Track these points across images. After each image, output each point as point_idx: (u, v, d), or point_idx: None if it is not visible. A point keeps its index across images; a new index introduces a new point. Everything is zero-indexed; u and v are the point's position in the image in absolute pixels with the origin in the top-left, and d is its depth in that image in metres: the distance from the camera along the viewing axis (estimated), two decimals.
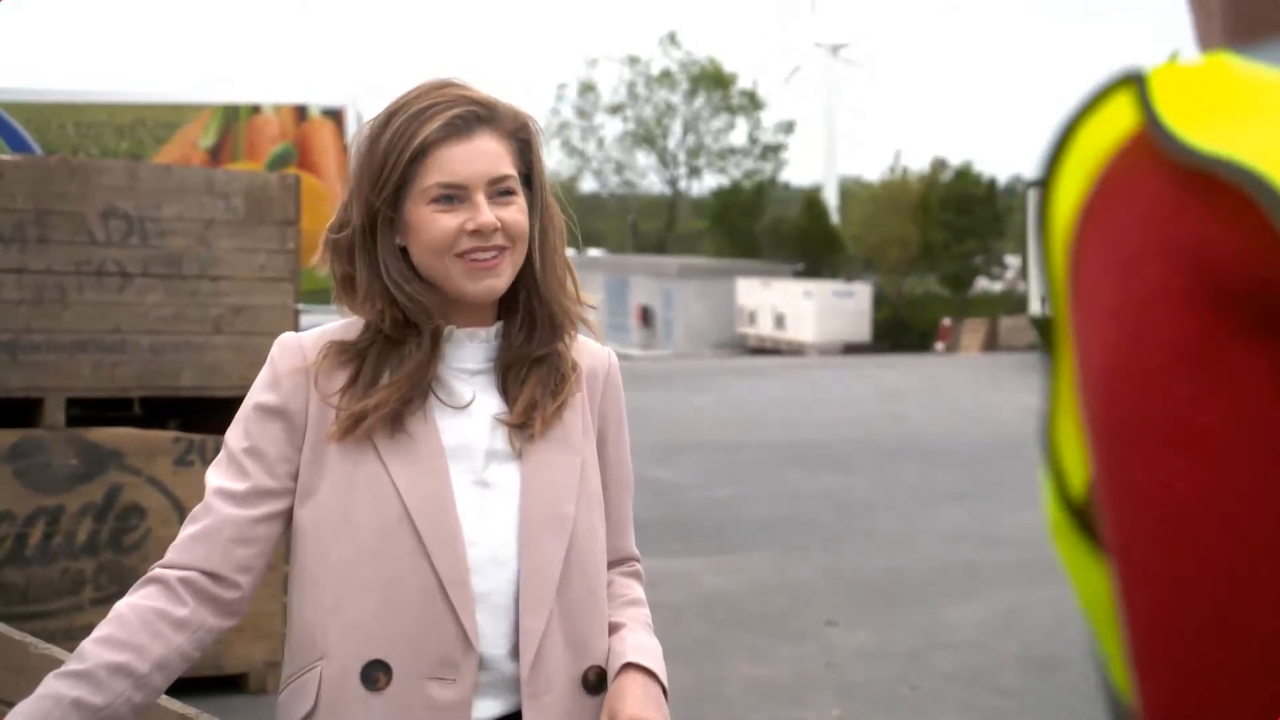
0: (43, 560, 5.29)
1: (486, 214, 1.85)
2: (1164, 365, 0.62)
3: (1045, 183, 0.70)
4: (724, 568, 8.43)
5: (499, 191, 1.88)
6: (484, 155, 1.87)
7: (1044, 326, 0.72)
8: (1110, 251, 0.65)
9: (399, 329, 1.89)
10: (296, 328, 5.77)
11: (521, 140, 1.93)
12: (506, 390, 1.95)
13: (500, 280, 1.89)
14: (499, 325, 1.96)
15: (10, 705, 2.52)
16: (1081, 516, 0.72)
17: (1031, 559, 8.71)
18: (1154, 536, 0.63)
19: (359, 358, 1.91)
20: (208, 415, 5.76)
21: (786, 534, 9.70)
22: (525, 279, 1.94)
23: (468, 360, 1.95)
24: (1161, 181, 0.63)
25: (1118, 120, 0.67)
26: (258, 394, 1.95)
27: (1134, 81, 0.66)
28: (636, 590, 2.10)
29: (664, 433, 14.13)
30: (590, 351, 2.06)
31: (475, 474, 1.91)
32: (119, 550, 5.40)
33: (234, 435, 1.95)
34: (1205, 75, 0.66)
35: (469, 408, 1.93)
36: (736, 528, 9.93)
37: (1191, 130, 0.63)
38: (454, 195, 1.86)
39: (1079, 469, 0.71)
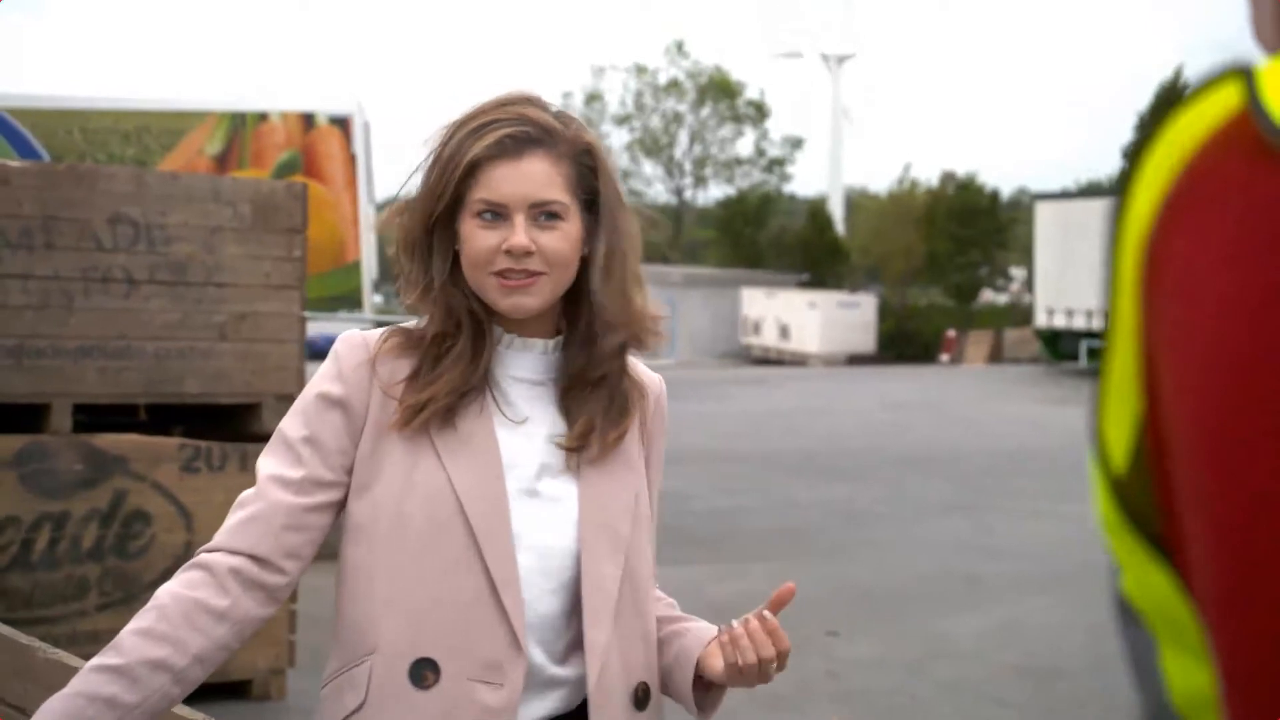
0: (48, 566, 5.31)
1: (520, 236, 1.87)
2: None
3: (1128, 173, 0.67)
4: (726, 577, 8.44)
5: (542, 214, 1.89)
6: (529, 178, 1.88)
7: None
8: (1216, 244, 0.62)
9: (450, 326, 1.92)
10: (302, 335, 5.79)
11: (584, 165, 1.94)
12: (566, 408, 1.97)
13: (531, 300, 1.90)
14: (558, 339, 1.98)
15: (18, 709, 2.53)
16: (1124, 496, 0.69)
17: (1033, 570, 8.72)
18: None
19: (419, 350, 1.94)
20: (213, 422, 5.78)
21: (788, 544, 9.72)
22: (585, 299, 1.95)
23: (525, 371, 1.97)
24: (1272, 175, 0.61)
25: (1207, 114, 0.64)
26: (320, 384, 1.96)
27: (1239, 75, 0.64)
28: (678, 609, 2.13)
29: (668, 442, 14.02)
30: (644, 374, 2.08)
31: (526, 483, 1.93)
32: (124, 556, 5.42)
33: (291, 424, 1.95)
34: None
35: (525, 423, 1.95)
36: (739, 537, 9.94)
37: None
38: (495, 213, 1.89)
39: (1123, 448, 0.69)
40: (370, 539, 1.90)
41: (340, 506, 1.94)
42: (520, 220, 1.88)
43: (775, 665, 1.92)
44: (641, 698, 1.97)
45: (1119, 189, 0.68)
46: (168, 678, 1.79)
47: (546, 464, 1.94)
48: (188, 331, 5.58)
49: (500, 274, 1.89)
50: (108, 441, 5.43)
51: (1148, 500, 0.68)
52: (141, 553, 5.42)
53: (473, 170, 1.88)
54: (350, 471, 1.93)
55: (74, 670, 1.91)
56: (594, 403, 1.96)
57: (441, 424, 1.90)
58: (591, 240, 1.94)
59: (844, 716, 5.85)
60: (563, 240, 1.90)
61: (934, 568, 8.90)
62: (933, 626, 7.37)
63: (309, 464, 1.92)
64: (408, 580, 1.87)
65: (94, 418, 5.65)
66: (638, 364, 2.08)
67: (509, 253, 1.87)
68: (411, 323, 2.00)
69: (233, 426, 5.74)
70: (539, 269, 1.89)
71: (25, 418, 5.36)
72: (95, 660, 1.80)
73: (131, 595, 5.27)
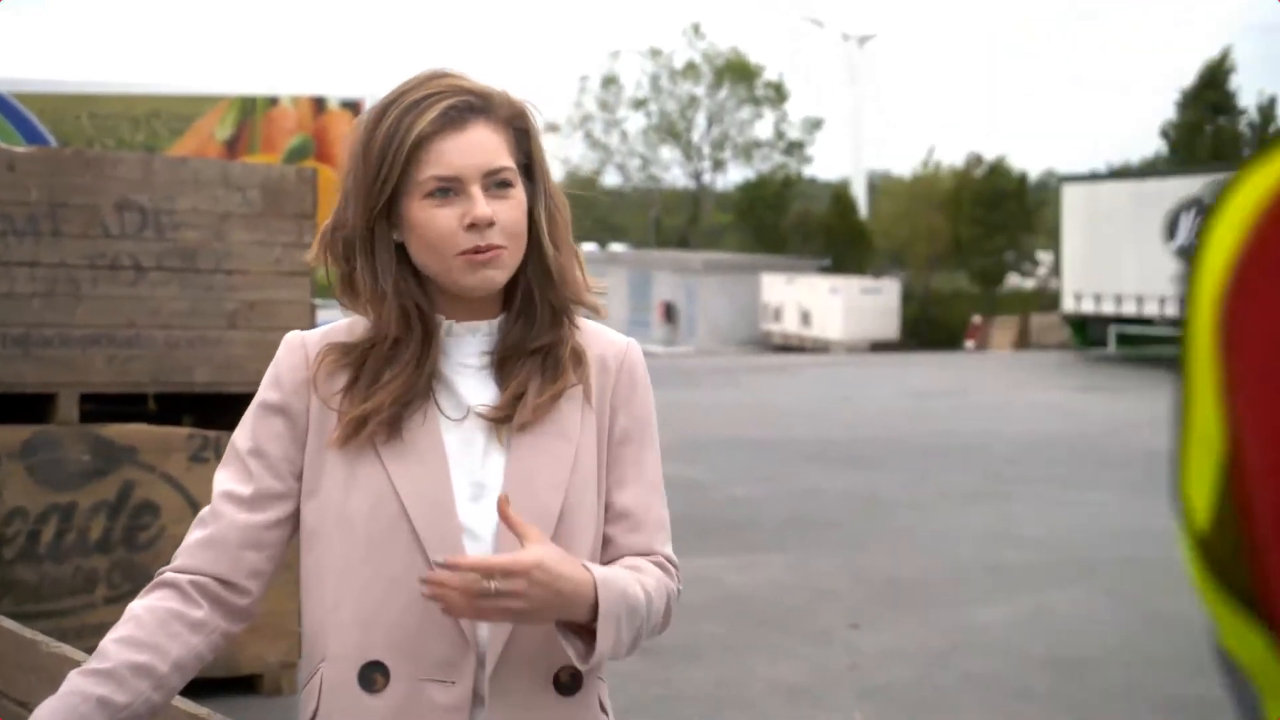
0: (55, 558, 5.24)
1: (482, 206, 1.80)
2: None
3: (1205, 224, 0.66)
4: (746, 567, 8.35)
5: (495, 184, 1.82)
6: (479, 147, 1.82)
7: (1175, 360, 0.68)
8: None
9: (400, 327, 1.85)
10: (313, 322, 5.70)
11: (519, 129, 1.88)
12: (501, 382, 1.89)
13: (499, 273, 1.83)
14: (501, 318, 1.91)
15: (22, 704, 2.51)
16: (1209, 553, 0.68)
17: (1058, 560, 8.61)
18: None
19: (360, 358, 1.88)
20: (223, 411, 5.70)
21: (809, 533, 9.62)
22: (527, 270, 1.88)
23: (470, 355, 1.90)
24: None
25: (1273, 175, 0.63)
26: (262, 392, 1.93)
27: None
28: (646, 565, 1.92)
29: (686, 430, 14.04)
30: (605, 340, 1.97)
31: (473, 473, 1.86)
32: (132, 548, 5.34)
33: (240, 436, 1.93)
34: None
35: (468, 413, 1.88)
36: (759, 526, 9.85)
37: None
38: (449, 188, 1.81)
39: (1204, 506, 0.67)
40: (320, 544, 1.87)
41: (299, 514, 1.91)
42: (477, 191, 1.81)
43: (490, 582, 1.70)
44: (567, 682, 1.87)
45: (1197, 236, 0.67)
46: (149, 683, 1.79)
47: (489, 447, 1.87)
48: (197, 319, 5.50)
49: (465, 253, 1.81)
50: (116, 432, 5.35)
51: (1235, 560, 0.66)
52: (150, 544, 5.35)
53: (416, 148, 1.80)
54: (300, 477, 1.89)
55: (78, 664, 1.90)
56: (528, 370, 1.88)
57: (384, 431, 1.84)
58: (533, 207, 1.87)
59: (866, 713, 5.75)
60: (517, 209, 1.84)
61: (958, 557, 8.79)
62: (957, 617, 7.27)
63: (258, 478, 1.89)
64: (354, 584, 1.84)
65: (102, 407, 5.58)
66: (602, 329, 2.00)
67: (473, 226, 1.79)
68: (345, 323, 1.93)
69: (243, 415, 5.66)
70: (501, 243, 1.82)
71: (32, 407, 5.28)
72: (82, 667, 1.80)
73: (140, 588, 5.14)
